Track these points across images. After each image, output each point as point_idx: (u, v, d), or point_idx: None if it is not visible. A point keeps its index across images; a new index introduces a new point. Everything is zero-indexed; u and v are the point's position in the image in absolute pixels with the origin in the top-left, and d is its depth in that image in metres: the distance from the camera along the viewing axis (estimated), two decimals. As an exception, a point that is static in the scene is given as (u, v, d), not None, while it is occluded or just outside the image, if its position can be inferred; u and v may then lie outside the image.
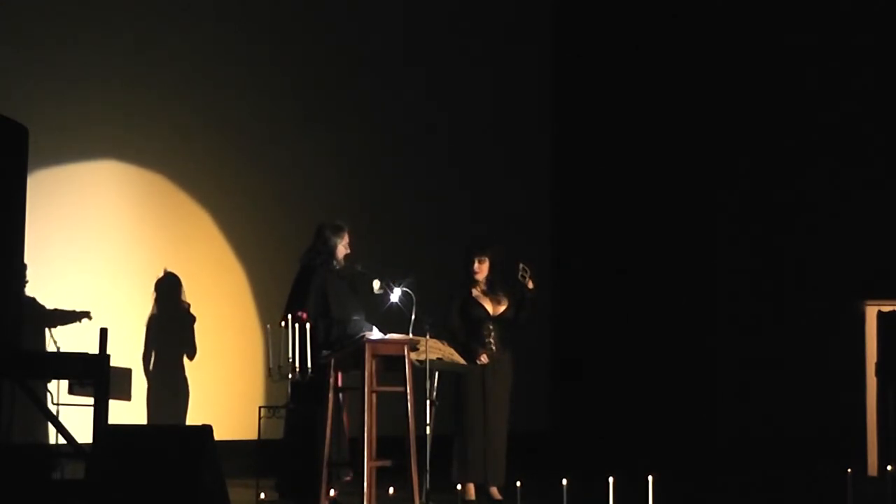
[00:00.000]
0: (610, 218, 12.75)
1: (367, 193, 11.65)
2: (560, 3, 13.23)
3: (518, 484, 7.44)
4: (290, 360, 8.28)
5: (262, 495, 8.64)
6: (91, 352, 8.24)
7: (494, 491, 9.11)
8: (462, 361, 8.83)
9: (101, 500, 6.83)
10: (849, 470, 7.83)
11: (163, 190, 10.69)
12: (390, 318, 8.65)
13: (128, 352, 10.01)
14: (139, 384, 10.23)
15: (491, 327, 9.22)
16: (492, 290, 9.30)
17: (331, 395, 8.37)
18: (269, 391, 10.33)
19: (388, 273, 8.79)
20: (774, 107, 12.22)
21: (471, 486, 9.12)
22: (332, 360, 8.37)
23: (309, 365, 8.32)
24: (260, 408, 9.11)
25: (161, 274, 10.50)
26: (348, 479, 8.90)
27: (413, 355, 8.40)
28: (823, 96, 12.03)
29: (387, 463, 8.43)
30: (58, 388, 9.24)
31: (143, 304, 10.44)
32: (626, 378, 12.38)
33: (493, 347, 9.19)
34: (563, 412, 12.74)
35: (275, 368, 8.44)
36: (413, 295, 8.51)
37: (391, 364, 8.47)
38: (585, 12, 13.08)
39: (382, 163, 11.83)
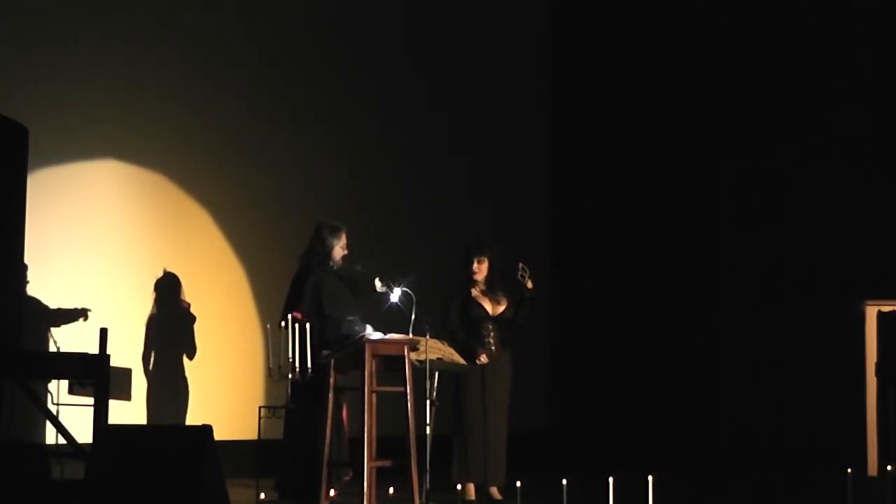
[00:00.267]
0: (610, 218, 12.75)
1: (367, 193, 11.65)
2: (560, 2, 13.23)
3: (518, 484, 7.44)
4: (290, 361, 8.29)
5: (262, 495, 8.64)
6: (91, 352, 8.24)
7: (494, 491, 9.11)
8: (462, 361, 8.84)
9: (101, 500, 6.83)
10: (849, 470, 7.83)
11: (163, 190, 10.69)
12: (390, 318, 8.66)
13: (128, 352, 10.01)
14: (139, 384, 10.22)
15: (490, 327, 9.22)
16: (491, 291, 9.30)
17: (331, 395, 8.37)
18: (269, 391, 10.33)
19: (389, 273, 8.81)
20: (774, 106, 12.21)
21: (471, 486, 9.12)
22: (332, 360, 8.38)
23: (308, 365, 8.33)
24: (260, 408, 9.11)
25: (161, 274, 10.50)
26: (348, 478, 8.90)
27: (413, 355, 8.40)
28: (823, 96, 12.02)
29: (387, 463, 8.43)
30: (58, 388, 9.24)
31: (143, 304, 10.43)
32: (626, 378, 12.38)
33: (493, 347, 9.19)
34: (563, 412, 12.74)
35: (275, 368, 8.44)
36: (413, 295, 8.51)
37: (391, 364, 8.47)
38: (585, 12, 13.07)
39: (382, 163, 11.83)
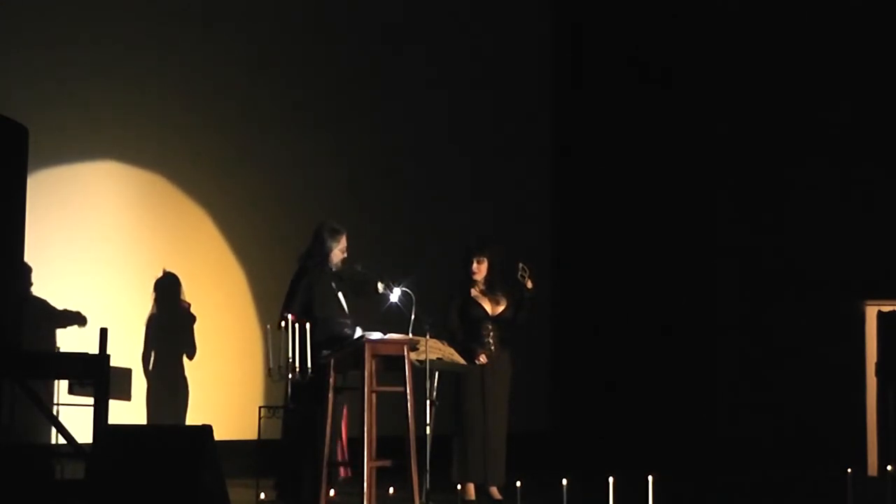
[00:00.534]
0: (610, 218, 12.76)
1: (367, 193, 11.65)
2: (560, 3, 13.23)
3: (518, 484, 7.45)
4: (290, 361, 8.29)
5: (262, 495, 8.63)
6: (91, 352, 8.24)
7: (494, 491, 9.11)
8: (462, 361, 8.83)
9: (101, 500, 6.82)
10: (849, 470, 7.83)
11: (162, 190, 10.68)
12: (390, 318, 8.66)
13: (128, 352, 10.01)
14: (139, 384, 10.23)
15: (490, 327, 9.22)
16: (491, 290, 9.30)
17: (331, 395, 8.37)
18: (269, 391, 10.32)
19: (389, 273, 8.81)
20: (774, 106, 12.22)
21: (471, 486, 9.12)
22: (332, 360, 8.38)
23: (308, 365, 8.33)
24: (260, 408, 9.11)
25: (161, 274, 10.50)
26: (343, 476, 8.91)
27: (413, 355, 8.40)
28: (824, 96, 12.02)
29: (387, 463, 8.42)
30: (58, 388, 9.24)
31: (143, 304, 10.43)
32: (626, 378, 12.38)
33: (492, 347, 9.19)
34: (563, 412, 12.74)
35: (275, 368, 8.44)
36: (413, 295, 8.51)
37: (391, 364, 8.47)
38: (585, 12, 13.08)
39: (382, 163, 11.83)
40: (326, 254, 8.95)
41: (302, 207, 11.04)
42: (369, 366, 8.27)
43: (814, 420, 11.50)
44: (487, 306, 9.25)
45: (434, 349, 8.46)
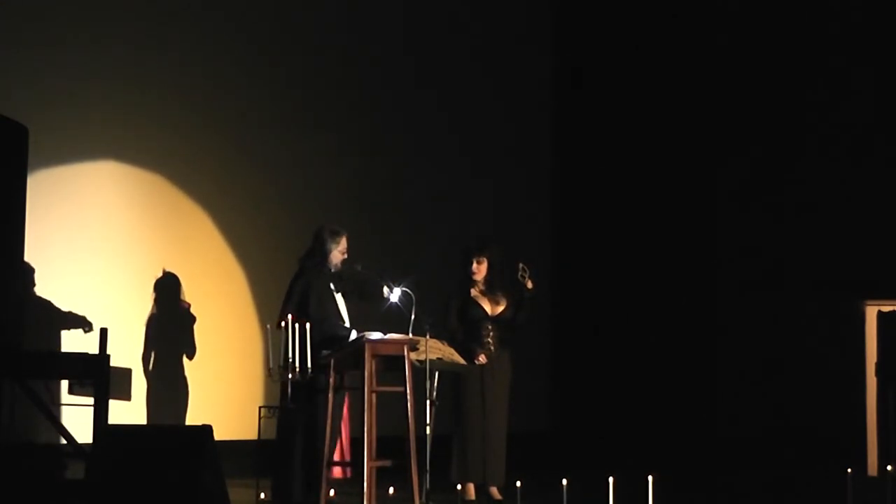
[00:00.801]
0: (610, 218, 12.75)
1: (367, 193, 11.65)
2: (560, 3, 13.23)
3: (518, 484, 7.45)
4: (290, 361, 8.29)
5: (262, 495, 8.64)
6: (91, 352, 8.24)
7: (494, 491, 9.11)
8: (462, 361, 8.84)
9: (101, 500, 6.83)
10: (849, 470, 7.83)
11: (162, 190, 10.68)
12: (390, 318, 8.66)
13: (128, 352, 10.01)
14: (139, 384, 10.23)
15: (490, 327, 9.22)
16: (490, 291, 9.30)
17: (331, 396, 8.38)
18: (269, 391, 10.31)
19: (389, 273, 8.81)
20: (775, 106, 12.22)
21: (471, 486, 9.12)
22: (332, 361, 8.38)
23: (308, 365, 8.34)
24: (260, 408, 9.11)
25: (161, 274, 10.50)
26: (341, 476, 8.92)
27: (413, 355, 8.40)
28: (824, 96, 12.02)
29: (387, 463, 8.43)
30: (58, 388, 9.24)
31: (143, 305, 10.44)
32: (626, 378, 12.38)
33: (492, 347, 9.19)
34: (563, 412, 12.74)
35: (275, 368, 8.45)
36: (413, 295, 8.51)
37: (391, 364, 8.47)
38: (585, 12, 13.07)
39: (382, 163, 11.83)
40: (326, 254, 8.96)
41: (302, 207, 11.04)
42: (369, 366, 8.28)
43: (814, 420, 11.50)
44: (487, 306, 9.25)
45: (434, 349, 8.46)
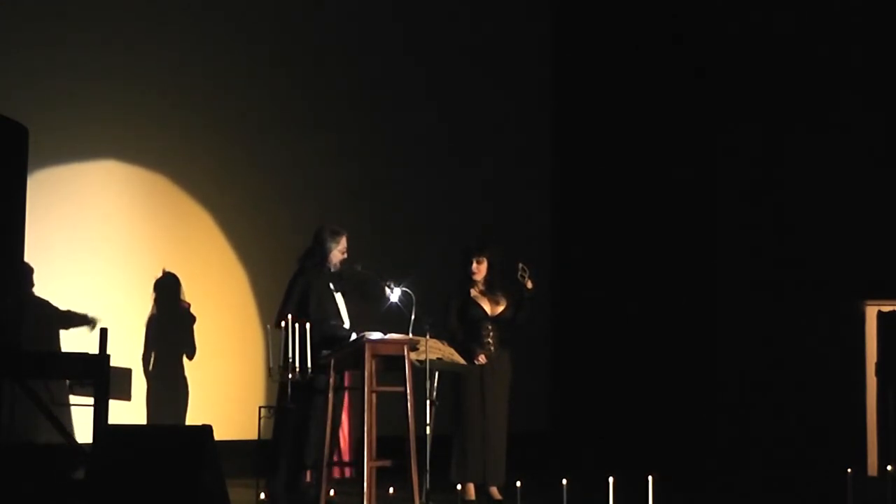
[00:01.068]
0: (610, 218, 12.75)
1: (366, 193, 11.65)
2: (560, 2, 13.23)
3: (518, 484, 7.45)
4: (290, 361, 8.29)
5: (262, 495, 8.64)
6: (91, 352, 8.24)
7: (494, 491, 9.11)
8: (462, 361, 8.84)
9: (101, 500, 6.83)
10: (849, 470, 7.83)
11: (163, 190, 10.68)
12: (390, 318, 8.66)
13: (128, 352, 10.01)
14: (139, 384, 10.23)
15: (489, 327, 9.22)
16: (490, 291, 9.30)
17: (331, 395, 8.38)
18: (269, 391, 10.32)
19: (389, 273, 8.82)
20: (774, 106, 12.21)
21: (470, 486, 9.12)
22: (332, 361, 8.38)
23: (308, 365, 8.34)
24: (260, 408, 9.10)
25: (161, 274, 10.50)
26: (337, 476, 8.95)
27: (413, 355, 8.41)
28: (825, 96, 12.01)
29: (387, 463, 8.43)
30: (58, 388, 9.23)
31: (143, 305, 10.44)
32: (626, 378, 12.38)
33: (492, 348, 9.19)
34: (563, 412, 12.74)
35: (275, 368, 8.45)
36: (413, 295, 8.52)
37: (391, 364, 8.47)
38: (585, 11, 13.08)
39: (382, 163, 11.83)
40: (325, 254, 8.97)
41: (302, 208, 11.04)
42: (369, 366, 8.28)
43: (814, 420, 11.50)
44: (487, 306, 9.25)
45: (434, 349, 8.47)
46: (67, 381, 9.12)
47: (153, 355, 10.40)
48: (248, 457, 9.33)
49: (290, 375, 8.30)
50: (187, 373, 10.44)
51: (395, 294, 8.62)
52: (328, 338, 8.67)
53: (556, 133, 13.16)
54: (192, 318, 10.52)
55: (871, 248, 11.49)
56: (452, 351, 8.76)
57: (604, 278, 12.66)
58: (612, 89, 12.80)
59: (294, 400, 8.45)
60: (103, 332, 8.18)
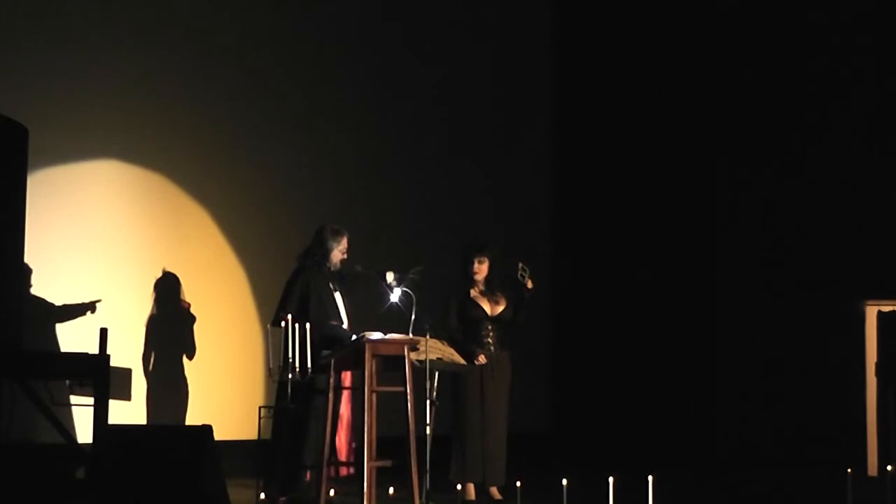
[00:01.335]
0: (610, 218, 12.76)
1: (366, 193, 11.65)
2: (560, 2, 13.24)
3: (518, 484, 7.45)
4: (290, 361, 8.29)
5: (262, 495, 8.64)
6: (91, 352, 8.23)
7: (494, 491, 9.11)
8: (462, 361, 8.84)
9: (101, 500, 6.83)
10: (849, 470, 7.83)
11: (163, 190, 10.68)
12: (390, 318, 8.66)
13: (128, 352, 10.01)
14: (139, 384, 10.23)
15: (489, 327, 9.22)
16: (490, 291, 9.30)
17: (331, 396, 8.38)
18: (269, 391, 10.32)
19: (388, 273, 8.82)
20: (774, 106, 12.22)
21: (470, 486, 9.12)
22: (332, 361, 8.38)
23: (308, 365, 8.34)
24: (260, 408, 9.11)
25: (161, 274, 10.50)
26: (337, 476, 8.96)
27: (413, 355, 8.41)
28: (825, 96, 12.02)
29: (387, 463, 8.43)
30: (58, 388, 9.22)
31: (143, 305, 10.44)
32: (626, 378, 12.38)
33: (492, 348, 9.19)
34: (563, 412, 12.74)
35: (275, 368, 8.46)
36: (413, 295, 8.52)
37: (391, 364, 8.47)
38: (585, 11, 13.08)
39: (382, 163, 11.84)
40: (326, 253, 8.97)
41: (302, 207, 11.05)
42: (369, 366, 8.28)
43: (814, 420, 11.50)
44: (486, 306, 9.25)
45: (434, 349, 8.47)
46: (67, 381, 9.11)
47: (153, 355, 10.40)
48: (248, 457, 9.33)
49: (289, 375, 8.30)
50: (187, 373, 10.44)
51: (395, 294, 8.62)
52: (328, 338, 8.67)
53: (556, 133, 13.16)
54: (192, 318, 10.52)
55: (871, 248, 11.50)
56: (452, 351, 8.76)
57: (604, 278, 12.66)
58: (613, 89, 12.81)
59: (294, 400, 8.45)
60: (103, 332, 8.16)
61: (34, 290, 9.68)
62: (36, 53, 10.05)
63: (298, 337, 8.27)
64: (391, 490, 8.70)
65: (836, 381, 11.21)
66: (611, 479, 7.24)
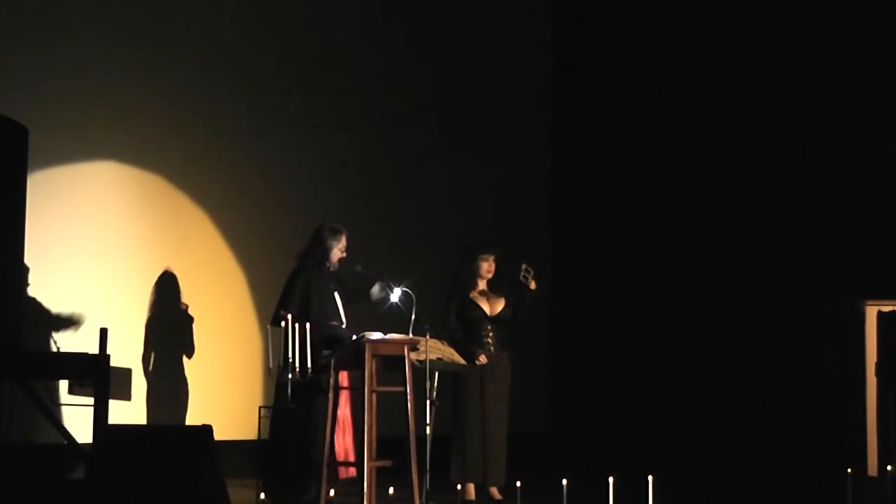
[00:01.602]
0: (610, 218, 12.76)
1: (366, 193, 11.65)
2: (560, 2, 13.23)
3: (518, 484, 7.45)
4: (290, 361, 8.29)
5: (262, 495, 8.64)
6: (91, 352, 8.24)
7: (494, 491, 9.11)
8: (462, 361, 8.84)
9: (101, 500, 6.83)
10: (849, 470, 7.83)
11: (162, 191, 10.68)
12: (390, 318, 8.65)
13: (128, 352, 10.01)
14: (139, 384, 10.22)
15: (489, 327, 9.22)
16: (490, 291, 9.30)
17: (331, 396, 8.38)
18: (269, 391, 10.31)
19: (389, 273, 8.81)
20: (774, 106, 12.21)
21: (470, 486, 9.12)
22: (332, 361, 8.38)
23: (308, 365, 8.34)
24: (260, 408, 9.10)
25: (160, 274, 10.50)
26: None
27: (413, 355, 8.41)
28: (825, 96, 12.02)
29: (387, 463, 8.43)
30: (58, 388, 9.23)
31: (143, 305, 10.43)
32: (626, 378, 12.38)
33: (492, 348, 9.19)
34: (563, 412, 12.74)
35: (275, 368, 8.46)
36: (413, 295, 8.52)
37: (391, 364, 8.47)
38: (585, 12, 13.08)
39: (382, 163, 11.83)
40: (325, 252, 8.97)
41: (302, 207, 11.04)
42: (369, 366, 8.28)
43: (814, 420, 11.50)
44: (486, 307, 9.25)
45: (434, 349, 8.47)
46: (67, 381, 9.12)
47: (153, 355, 10.40)
48: (248, 457, 9.33)
49: (290, 375, 8.30)
50: (187, 373, 10.44)
51: (395, 294, 8.62)
52: (328, 338, 8.67)
53: (556, 133, 13.16)
54: (192, 318, 10.52)
55: (871, 248, 11.50)
56: (452, 351, 8.76)
57: (604, 278, 12.66)
58: (613, 89, 12.80)
59: (294, 400, 8.45)
60: (103, 332, 8.18)
61: (34, 291, 9.68)
62: (36, 53, 10.05)
63: (298, 337, 8.27)
64: (391, 490, 8.70)
65: (836, 380, 11.20)
66: (611, 479, 7.24)
